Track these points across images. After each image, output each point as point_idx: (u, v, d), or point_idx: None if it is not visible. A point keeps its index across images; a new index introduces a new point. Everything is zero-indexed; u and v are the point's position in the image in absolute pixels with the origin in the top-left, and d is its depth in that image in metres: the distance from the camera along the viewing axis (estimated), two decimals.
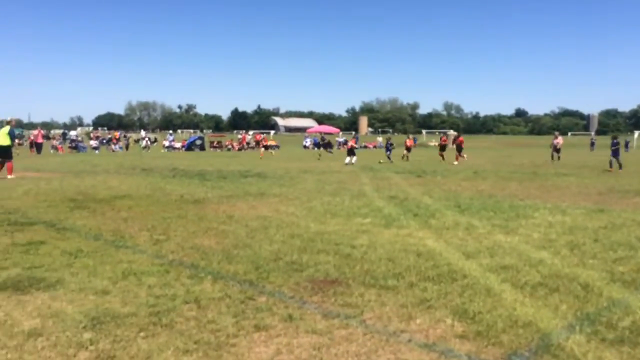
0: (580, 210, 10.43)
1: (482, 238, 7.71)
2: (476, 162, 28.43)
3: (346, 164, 25.38)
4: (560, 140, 30.94)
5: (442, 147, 30.91)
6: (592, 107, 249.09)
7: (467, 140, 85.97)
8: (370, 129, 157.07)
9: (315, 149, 53.83)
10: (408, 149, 31.49)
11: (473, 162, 28.33)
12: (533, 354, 3.86)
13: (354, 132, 65.74)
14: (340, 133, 70.99)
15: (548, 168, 23.56)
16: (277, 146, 59.13)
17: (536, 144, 76.93)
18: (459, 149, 27.31)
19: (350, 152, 26.97)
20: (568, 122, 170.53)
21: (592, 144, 58.20)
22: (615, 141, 22.54)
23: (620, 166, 21.93)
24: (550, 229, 8.47)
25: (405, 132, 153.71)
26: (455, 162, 25.46)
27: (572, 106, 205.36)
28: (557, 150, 30.01)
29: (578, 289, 5.32)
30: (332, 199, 11.90)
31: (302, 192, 13.22)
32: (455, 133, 75.09)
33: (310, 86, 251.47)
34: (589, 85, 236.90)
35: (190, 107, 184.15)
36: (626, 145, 55.80)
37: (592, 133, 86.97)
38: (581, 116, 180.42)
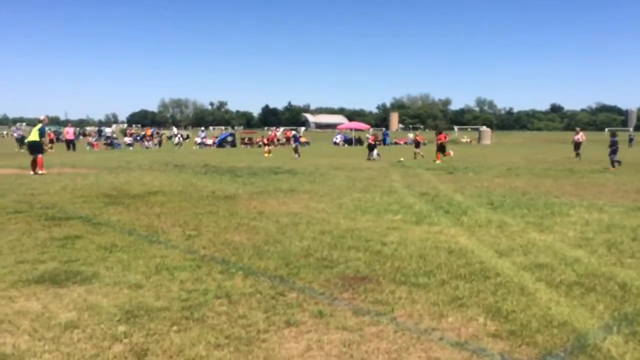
0: (617, 208, 10.14)
1: (515, 236, 7.57)
2: (509, 159, 27.94)
3: (371, 159, 25.42)
4: (581, 136, 30.00)
5: (417, 144, 30.50)
6: (630, 102, 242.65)
7: (501, 136, 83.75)
8: (401, 125, 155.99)
9: (345, 145, 53.71)
10: (417, 144, 30.81)
11: (506, 159, 27.85)
12: (568, 354, 3.77)
13: (370, 129, 65.44)
14: (371, 130, 70.58)
15: (584, 165, 22.99)
16: (307, 142, 59.33)
17: (571, 140, 75.33)
18: (441, 147, 25.67)
19: (371, 147, 27.02)
20: (606, 117, 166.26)
21: (631, 139, 56.48)
22: (614, 139, 21.84)
23: (613, 164, 21.18)
24: (586, 227, 8.27)
25: (436, 128, 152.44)
26: (437, 161, 24.33)
27: (610, 101, 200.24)
28: (577, 147, 29.14)
29: (615, 288, 5.18)
30: (363, 196, 11.86)
31: (332, 189, 13.21)
32: (488, 129, 73.90)
33: (341, 82, 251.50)
34: (628, 80, 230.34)
35: (221, 104, 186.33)
36: None
37: (630, 129, 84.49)
38: (619, 111, 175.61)
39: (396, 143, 63.60)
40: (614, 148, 21.66)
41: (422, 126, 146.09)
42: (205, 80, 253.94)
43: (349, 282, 5.35)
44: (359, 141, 59.79)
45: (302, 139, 60.14)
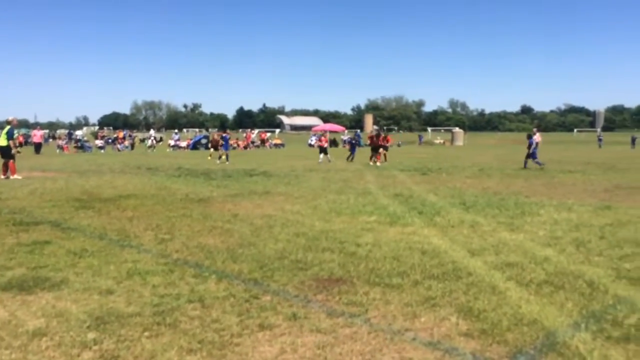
0: (586, 207, 10.38)
1: (487, 236, 7.69)
2: (482, 160, 28.33)
3: (320, 162, 24.71)
4: (538, 137, 29.90)
5: (376, 147, 25.20)
6: (598, 103, 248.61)
7: (473, 137, 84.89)
8: (375, 127, 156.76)
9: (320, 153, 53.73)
10: (375, 147, 25.04)
11: (478, 160, 28.24)
12: (538, 352, 3.83)
13: (346, 131, 65.60)
14: (346, 131, 70.85)
15: (553, 165, 23.44)
16: (282, 144, 59.27)
17: (543, 140, 76.87)
18: (383, 148, 24.96)
19: (322, 150, 25.90)
20: (574, 118, 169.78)
21: (600, 140, 57.84)
22: (530, 140, 22.12)
23: (525, 164, 21.64)
24: (555, 226, 8.44)
25: (410, 129, 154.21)
26: (378, 163, 23.82)
27: (578, 102, 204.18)
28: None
29: (584, 286, 5.29)
30: (337, 197, 11.90)
31: (307, 191, 13.22)
32: (460, 130, 74.81)
33: (316, 84, 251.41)
34: (595, 81, 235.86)
35: (195, 106, 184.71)
36: (633, 142, 55.40)
37: (598, 129, 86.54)
38: (587, 112, 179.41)
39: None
40: (533, 150, 21.91)
41: (395, 127, 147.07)
42: (179, 82, 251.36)
43: (323, 284, 5.35)
44: (334, 143, 59.93)
45: (277, 141, 60.25)
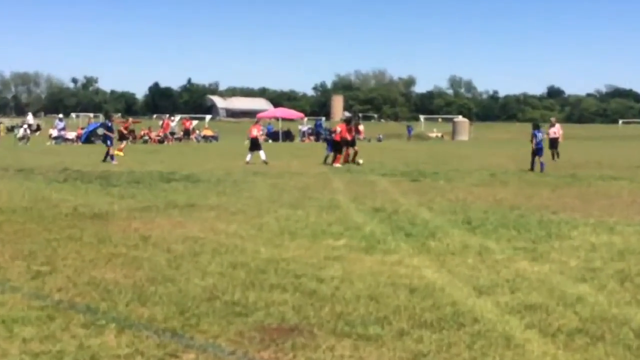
0: (634, 228, 10.68)
1: (500, 267, 7.82)
2: (494, 161, 28.83)
3: (246, 162, 24.64)
4: (557, 128, 30.65)
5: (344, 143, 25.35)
6: None
7: (482, 129, 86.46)
8: (347, 113, 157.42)
9: (269, 140, 53.72)
10: (348, 142, 25.27)
11: (489, 161, 28.73)
12: None
13: (305, 119, 65.77)
14: (306, 119, 71.05)
15: (591, 169, 24.05)
16: (214, 137, 58.95)
17: (576, 134, 78.55)
18: (348, 143, 25.11)
19: (254, 145, 25.68)
20: (619, 105, 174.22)
21: None
22: (536, 132, 23.02)
23: (532, 166, 22.59)
24: (593, 253, 8.65)
25: (396, 117, 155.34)
26: (337, 164, 24.04)
27: (624, 84, 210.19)
28: (554, 144, 29.65)
29: (630, 337, 5.43)
30: (292, 213, 11.88)
31: (249, 203, 13.17)
32: (465, 120, 76.04)
33: (263, 53, 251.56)
34: None
35: (89, 81, 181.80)
36: None
37: None
38: (636, 97, 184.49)
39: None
40: (537, 146, 22.72)
41: (375, 115, 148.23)
42: (65, 47, 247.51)
43: (271, 336, 5.34)
44: (289, 135, 60.04)
45: (207, 132, 59.89)
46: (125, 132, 34.39)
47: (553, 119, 33.86)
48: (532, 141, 22.95)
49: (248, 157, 25.15)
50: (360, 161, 24.75)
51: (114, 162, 24.78)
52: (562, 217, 11.80)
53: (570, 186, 17.57)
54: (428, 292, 6.65)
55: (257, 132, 26.64)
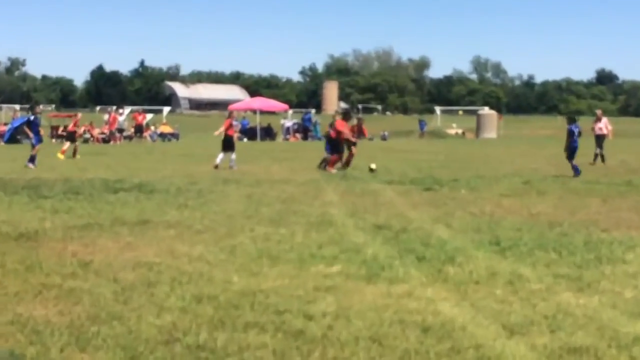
0: None
1: (536, 299, 7.82)
2: (528, 164, 28.85)
3: (215, 166, 24.78)
4: (604, 123, 30.62)
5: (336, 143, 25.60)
6: None
7: (515, 123, 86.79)
8: (343, 105, 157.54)
9: (245, 138, 53.69)
10: (349, 142, 25.69)
11: (523, 164, 28.75)
12: None
13: (290, 111, 65.84)
14: (291, 112, 71.09)
15: (629, 173, 24.10)
16: (174, 134, 58.86)
17: (633, 131, 78.87)
18: (345, 145, 25.25)
19: (227, 144, 25.91)
20: None
21: None
22: (572, 128, 23.45)
23: (577, 170, 22.89)
24: None
25: (405, 109, 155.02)
26: (333, 170, 24.15)
27: None
28: (599, 142, 29.61)
29: None
30: (273, 231, 11.87)
31: (218, 219, 13.17)
32: (492, 112, 76.10)
33: (235, 29, 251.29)
34: None
35: (14, 64, 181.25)
36: None
37: None
38: None
39: None
40: (572, 145, 23.12)
41: (379, 106, 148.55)
42: None
43: None
44: (269, 132, 59.99)
45: (165, 129, 59.81)
46: (74, 130, 33.96)
47: (599, 112, 33.54)
48: (568, 138, 23.19)
49: (218, 159, 25.14)
50: (373, 166, 24.32)
51: (31, 166, 24.79)
52: (614, 236, 11.82)
53: (625, 196, 17.63)
54: (445, 332, 6.64)
55: (228, 126, 26.59)
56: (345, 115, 26.97)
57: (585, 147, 26.80)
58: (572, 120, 23.97)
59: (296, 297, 7.78)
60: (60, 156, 30.04)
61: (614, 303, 7.72)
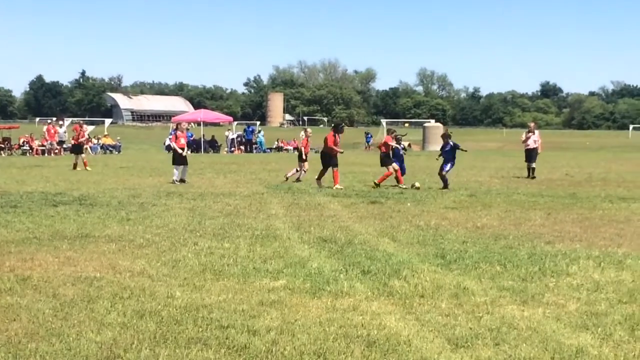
0: None
1: (481, 312, 7.91)
2: (474, 177, 29.09)
3: (174, 181, 24.41)
4: (536, 136, 29.47)
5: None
6: None
7: (461, 135, 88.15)
8: (288, 117, 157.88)
9: (189, 151, 53.29)
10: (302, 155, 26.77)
11: (468, 177, 29.00)
12: None
13: (234, 123, 66.01)
14: (235, 124, 70.98)
15: (595, 187, 24.49)
16: (115, 146, 58.37)
17: (576, 144, 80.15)
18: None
19: (179, 159, 25.32)
20: (630, 107, 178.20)
21: None
22: (447, 145, 23.62)
23: (446, 184, 23.09)
24: (596, 294, 8.83)
25: (351, 122, 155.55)
26: (338, 185, 23.45)
27: (635, 81, 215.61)
28: (530, 156, 28.98)
29: None
30: (217, 245, 11.88)
31: (161, 233, 13.13)
32: (438, 124, 76.75)
33: (180, 40, 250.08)
34: None
35: None
36: None
37: None
38: None
39: (279, 149, 64.37)
40: (446, 156, 23.39)
41: (325, 118, 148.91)
42: None
43: None
44: (213, 144, 59.83)
45: (107, 141, 59.30)
46: (80, 141, 33.48)
47: (532, 124, 31.56)
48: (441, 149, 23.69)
49: (175, 175, 24.56)
50: (417, 184, 23.78)
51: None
52: (558, 249, 12.02)
53: (569, 209, 17.87)
54: (390, 346, 6.69)
55: (180, 141, 25.77)
56: (337, 128, 25.85)
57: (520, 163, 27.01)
58: (446, 136, 23.96)
59: (240, 312, 7.78)
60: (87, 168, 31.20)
61: (557, 315, 7.84)
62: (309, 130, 29.31)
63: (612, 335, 7.13)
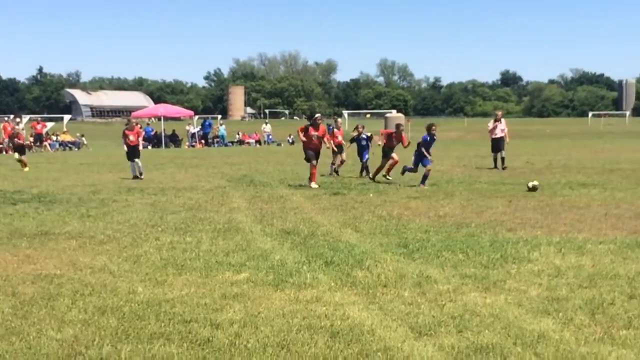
0: (607, 246, 11.06)
1: (444, 300, 7.97)
2: (435, 166, 29.24)
3: (139, 176, 24.18)
4: (502, 125, 28.79)
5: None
6: (626, 70, 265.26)
7: (419, 124, 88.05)
8: (250, 110, 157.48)
9: (149, 146, 53.11)
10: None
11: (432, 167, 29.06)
12: None
13: (196, 117, 65.93)
14: (196, 118, 70.62)
15: (555, 174, 24.72)
16: (75, 143, 57.85)
17: (536, 132, 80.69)
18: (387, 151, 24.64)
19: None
20: (589, 94, 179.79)
21: None
22: (425, 139, 23.00)
23: (424, 180, 22.57)
24: (557, 279, 8.93)
25: (310, 115, 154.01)
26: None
27: (593, 68, 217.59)
28: (497, 145, 28.45)
29: None
30: (179, 240, 11.86)
31: (122, 229, 13.06)
32: (399, 115, 76.89)
33: (138, 35, 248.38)
34: (620, 41, 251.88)
35: None
36: None
37: (627, 112, 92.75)
38: (609, 84, 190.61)
39: (240, 142, 64.16)
40: (417, 152, 22.68)
41: (287, 111, 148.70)
42: None
43: None
44: (174, 139, 59.54)
45: (66, 137, 58.77)
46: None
47: (499, 113, 30.14)
48: (418, 145, 23.05)
49: (135, 170, 24.45)
50: (534, 184, 22.74)
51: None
52: (520, 236, 12.14)
53: (530, 197, 18.03)
54: (354, 335, 6.71)
55: (134, 137, 25.75)
56: (312, 120, 25.25)
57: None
58: (430, 128, 23.49)
59: (203, 306, 7.78)
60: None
61: (519, 301, 7.91)
62: (339, 120, 29.50)
63: (573, 320, 7.21)
